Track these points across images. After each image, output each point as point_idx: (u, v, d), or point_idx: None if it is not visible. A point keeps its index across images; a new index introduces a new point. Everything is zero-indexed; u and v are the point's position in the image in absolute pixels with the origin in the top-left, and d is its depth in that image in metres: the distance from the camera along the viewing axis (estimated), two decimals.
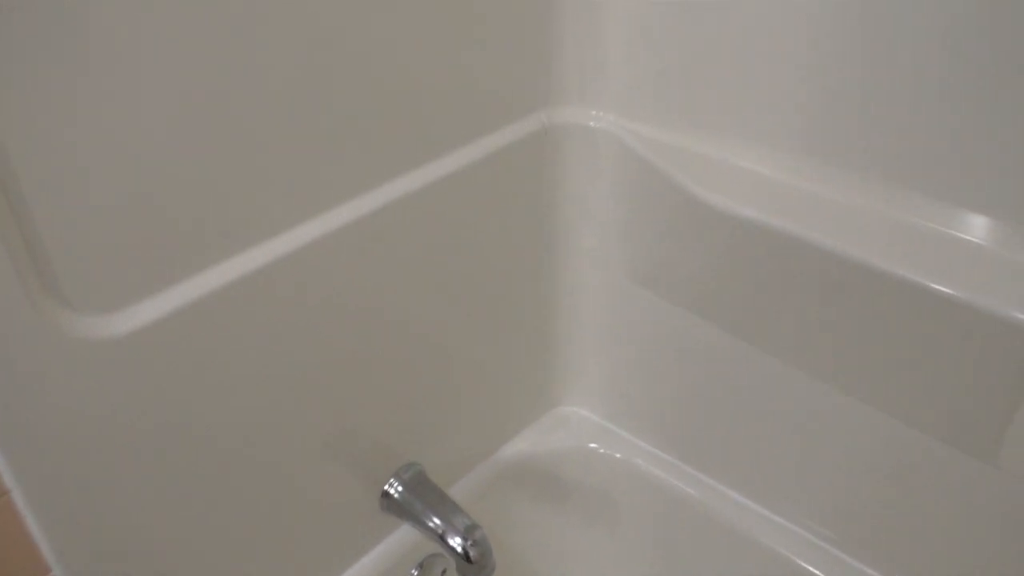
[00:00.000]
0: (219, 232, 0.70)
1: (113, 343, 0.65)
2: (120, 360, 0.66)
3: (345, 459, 0.93)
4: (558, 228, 1.02)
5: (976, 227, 0.76)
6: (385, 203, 0.83)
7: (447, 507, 0.97)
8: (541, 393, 1.17)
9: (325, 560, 0.96)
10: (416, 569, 1.05)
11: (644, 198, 0.93)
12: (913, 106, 0.74)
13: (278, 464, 0.85)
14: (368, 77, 0.76)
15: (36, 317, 0.59)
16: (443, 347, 0.98)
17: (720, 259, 0.89)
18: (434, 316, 0.95)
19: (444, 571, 1.08)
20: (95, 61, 0.57)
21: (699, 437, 1.07)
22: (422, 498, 0.98)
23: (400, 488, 0.98)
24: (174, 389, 0.72)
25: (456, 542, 0.94)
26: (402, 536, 1.02)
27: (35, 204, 0.58)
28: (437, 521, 0.95)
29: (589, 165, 0.96)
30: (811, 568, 0.97)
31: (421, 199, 0.86)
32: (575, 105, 0.94)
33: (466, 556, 0.92)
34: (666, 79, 0.89)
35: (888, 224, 0.80)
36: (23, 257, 0.58)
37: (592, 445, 1.11)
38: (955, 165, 0.75)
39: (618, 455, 1.10)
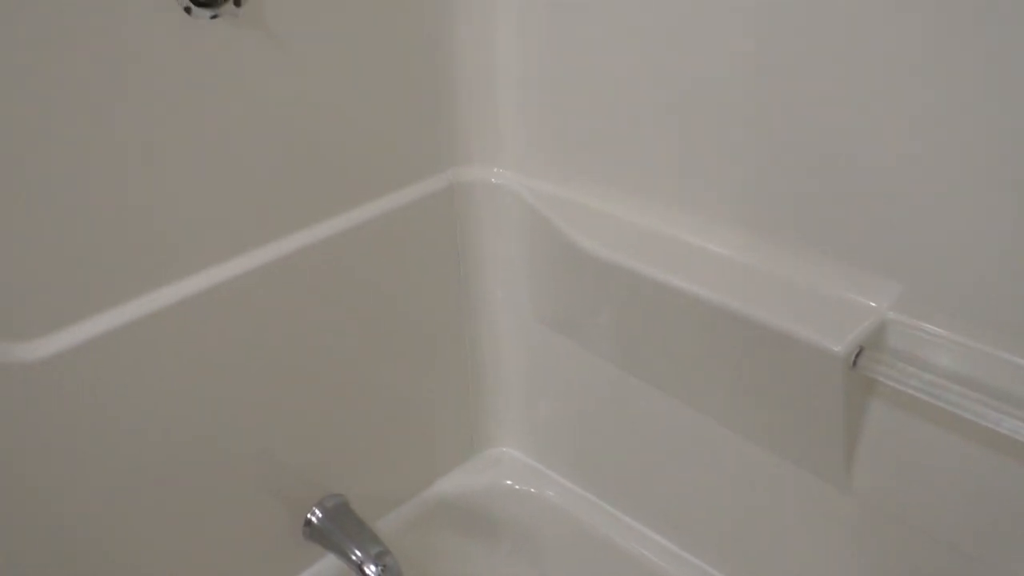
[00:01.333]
0: (138, 267, 0.81)
1: (31, 367, 0.75)
2: (40, 382, 0.76)
3: (270, 485, 1.01)
4: (471, 277, 1.11)
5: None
6: (301, 246, 0.93)
7: (363, 535, 1.04)
8: (471, 434, 1.24)
9: None
10: None
11: (541, 249, 1.02)
12: (788, 166, 0.83)
13: (203, 486, 0.93)
14: (281, 137, 0.87)
15: None
16: (365, 386, 1.07)
17: (608, 305, 0.97)
18: (356, 356, 1.04)
19: None
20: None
21: (615, 475, 1.13)
22: (341, 526, 1.05)
23: (321, 515, 1.06)
24: (95, 411, 0.81)
25: (371, 570, 1.01)
26: (327, 565, 1.09)
27: None
28: (354, 549, 1.03)
29: (493, 219, 1.05)
30: None
31: (338, 244, 0.96)
32: (479, 164, 1.04)
33: None
34: (559, 138, 0.99)
35: (747, 272, 0.87)
36: None
37: (508, 482, 1.18)
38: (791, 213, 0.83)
39: (532, 490, 1.17)
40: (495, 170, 1.04)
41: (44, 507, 0.81)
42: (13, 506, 0.79)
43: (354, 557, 1.02)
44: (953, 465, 0.77)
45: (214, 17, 0.77)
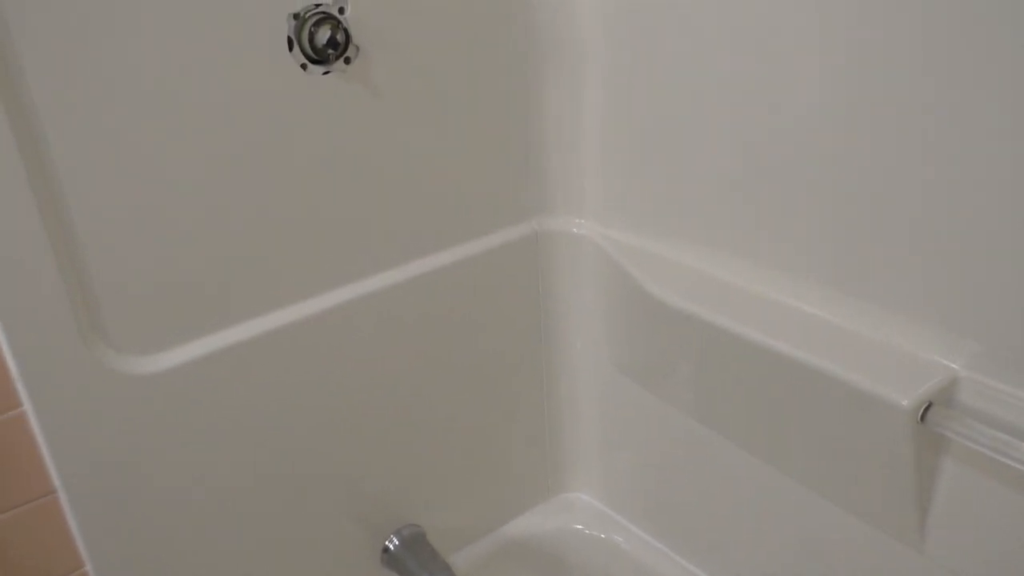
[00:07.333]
0: (243, 296, 0.89)
1: (145, 379, 0.83)
2: (150, 394, 0.84)
3: (352, 511, 1.06)
4: (551, 324, 1.15)
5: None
6: (393, 283, 1.00)
7: (437, 564, 1.08)
8: (547, 478, 1.27)
9: None
10: None
11: (619, 299, 1.06)
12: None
13: (289, 506, 1.00)
14: (381, 181, 0.95)
15: (85, 353, 0.78)
16: (446, 423, 1.12)
17: (684, 356, 1.00)
18: (438, 393, 1.10)
19: None
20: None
21: (685, 525, 1.13)
22: (416, 555, 1.10)
23: (398, 543, 1.10)
24: (195, 425, 0.89)
25: None
26: None
27: (94, 266, 0.78)
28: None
29: (573, 268, 1.10)
30: None
31: (426, 283, 1.03)
32: (562, 214, 1.09)
33: None
34: (641, 191, 1.03)
35: (823, 328, 0.88)
36: (80, 303, 0.78)
37: (579, 527, 1.20)
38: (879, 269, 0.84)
39: (602, 536, 1.18)
40: (577, 221, 1.09)
41: (146, 509, 0.89)
42: (119, 503, 0.87)
43: None
44: None
45: (326, 73, 0.86)
